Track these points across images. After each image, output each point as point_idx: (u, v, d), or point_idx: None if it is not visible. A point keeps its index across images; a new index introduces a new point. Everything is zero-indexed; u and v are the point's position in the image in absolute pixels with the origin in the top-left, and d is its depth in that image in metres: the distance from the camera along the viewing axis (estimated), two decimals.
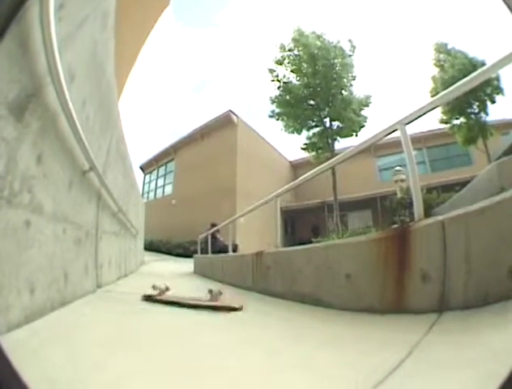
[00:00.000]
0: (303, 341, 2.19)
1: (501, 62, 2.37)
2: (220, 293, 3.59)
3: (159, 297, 3.74)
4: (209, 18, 57.06)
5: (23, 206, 2.05)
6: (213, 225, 11.57)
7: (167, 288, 3.93)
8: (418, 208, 2.59)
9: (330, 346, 2.03)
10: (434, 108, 2.75)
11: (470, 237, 2.01)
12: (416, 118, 2.79)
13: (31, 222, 2.16)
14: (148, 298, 3.74)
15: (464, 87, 2.71)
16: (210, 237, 10.85)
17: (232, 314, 3.17)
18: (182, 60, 55.27)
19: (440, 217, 2.26)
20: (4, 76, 1.68)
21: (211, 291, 3.62)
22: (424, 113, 2.74)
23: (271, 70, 18.40)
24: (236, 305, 3.31)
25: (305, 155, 20.40)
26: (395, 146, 2.90)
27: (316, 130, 18.64)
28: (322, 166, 4.64)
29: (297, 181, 5.56)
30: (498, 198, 1.96)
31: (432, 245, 2.23)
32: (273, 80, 18.45)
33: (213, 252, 10.30)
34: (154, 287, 3.84)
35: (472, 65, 13.77)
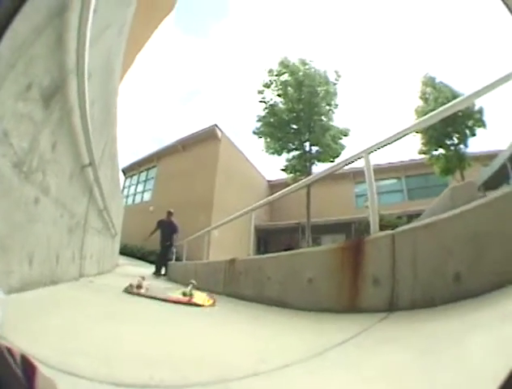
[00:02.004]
0: (265, 327, 2.52)
1: (470, 98, 2.79)
2: (192, 295, 3.88)
3: (139, 291, 3.97)
4: (206, 28, 57.85)
5: (36, 184, 2.32)
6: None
7: (144, 285, 4.17)
8: (374, 224, 2.95)
9: (287, 331, 2.36)
10: (399, 139, 3.09)
11: (416, 248, 2.34)
12: (380, 148, 3.18)
13: (39, 200, 2.42)
14: (129, 290, 3.96)
15: (431, 119, 3.12)
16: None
17: (204, 308, 3.47)
18: (175, 67, 55.57)
19: (390, 231, 2.62)
20: (42, 64, 1.96)
21: (184, 293, 3.91)
22: (389, 144, 3.14)
23: (260, 91, 19.04)
24: (207, 303, 3.61)
25: (283, 176, 20.87)
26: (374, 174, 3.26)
27: (296, 153, 19.24)
28: (294, 185, 5.03)
29: (273, 196, 5.91)
30: (443, 216, 2.31)
31: (382, 254, 2.56)
32: (260, 101, 19.08)
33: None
34: (131, 285, 4.05)
35: (455, 99, 14.15)
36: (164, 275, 9.99)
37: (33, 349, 1.09)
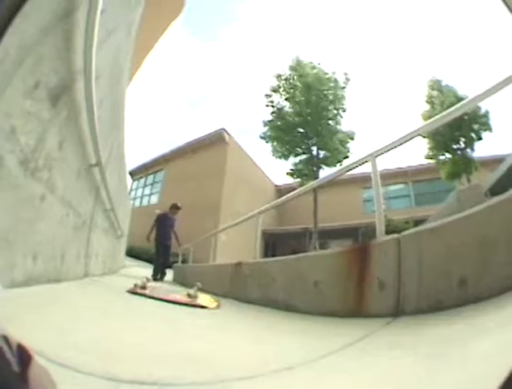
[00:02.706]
0: (268, 330, 2.52)
1: (472, 101, 2.79)
2: (196, 296, 3.89)
3: (143, 291, 3.98)
4: (215, 30, 58.31)
5: (42, 181, 2.35)
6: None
7: (148, 286, 4.18)
8: (380, 228, 2.93)
9: (291, 334, 2.35)
10: (405, 142, 3.07)
11: (422, 252, 2.32)
12: (387, 151, 3.16)
13: (46, 197, 2.46)
14: (133, 290, 3.96)
15: (437, 122, 3.13)
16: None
17: (208, 310, 3.48)
18: (184, 70, 56.07)
19: (396, 235, 2.60)
20: (49, 64, 2.00)
21: (189, 294, 3.91)
22: (395, 147, 3.12)
23: (267, 95, 19.08)
24: (212, 305, 3.60)
25: (291, 180, 20.88)
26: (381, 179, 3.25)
27: (303, 157, 19.28)
28: (301, 189, 5.04)
29: (281, 199, 5.93)
30: (449, 219, 2.30)
31: (388, 258, 2.54)
32: (267, 105, 19.12)
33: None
34: (135, 285, 4.06)
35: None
36: (160, 278, 8.68)
37: (30, 342, 1.09)
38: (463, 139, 16.57)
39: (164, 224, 9.36)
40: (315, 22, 47.53)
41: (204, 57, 58.13)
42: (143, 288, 4.06)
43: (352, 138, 18.94)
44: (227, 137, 22.19)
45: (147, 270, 10.82)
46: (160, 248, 9.21)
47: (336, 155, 18.23)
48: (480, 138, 16.43)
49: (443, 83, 17.81)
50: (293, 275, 3.64)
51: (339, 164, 17.91)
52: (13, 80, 1.55)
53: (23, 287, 2.23)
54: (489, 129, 16.18)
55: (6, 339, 0.44)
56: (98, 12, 2.06)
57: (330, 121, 18.41)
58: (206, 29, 57.07)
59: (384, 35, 52.41)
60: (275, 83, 18.89)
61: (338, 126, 18.64)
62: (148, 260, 16.70)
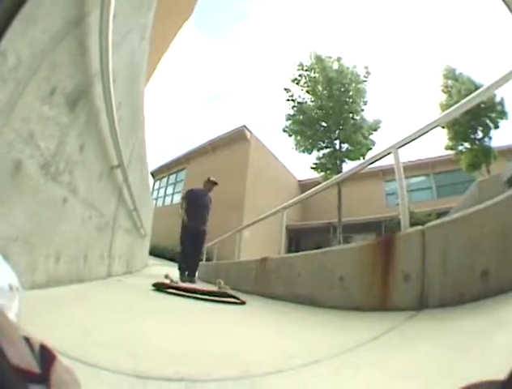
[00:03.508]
0: (294, 325, 2.50)
1: (492, 86, 2.70)
2: (226, 286, 3.92)
3: (170, 285, 4.01)
4: (228, 29, 58.60)
5: (64, 184, 2.40)
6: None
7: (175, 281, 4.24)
8: (404, 221, 2.90)
9: (317, 329, 2.33)
10: (426, 133, 3.02)
11: (446, 244, 2.28)
12: (409, 142, 3.10)
13: (68, 200, 2.51)
14: (160, 286, 3.94)
15: (455, 112, 3.05)
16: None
17: (235, 306, 3.48)
18: (200, 70, 56.59)
19: (420, 227, 2.55)
20: (64, 70, 2.03)
21: (219, 282, 3.96)
22: (417, 138, 3.05)
23: (287, 89, 18.92)
24: (240, 300, 3.62)
25: (314, 175, 20.70)
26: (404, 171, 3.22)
27: (326, 151, 19.00)
28: (324, 183, 5.00)
29: (304, 194, 5.87)
30: (471, 210, 2.24)
31: (413, 250, 2.51)
32: (288, 99, 18.95)
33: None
34: (166, 276, 4.11)
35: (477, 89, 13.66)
36: (188, 279, 6.58)
37: (54, 342, 1.10)
38: (480, 128, 16.19)
39: (196, 203, 6.99)
40: (328, 17, 47.03)
41: (218, 55, 58.48)
42: (171, 280, 4.12)
43: (376, 130, 18.56)
44: (248, 134, 22.22)
45: (171, 268, 11.00)
46: (189, 237, 6.80)
47: (359, 148, 17.94)
48: (496, 127, 16.06)
49: (457, 72, 17.43)
50: (318, 270, 3.64)
51: (362, 157, 17.64)
52: (28, 87, 1.58)
53: (45, 288, 2.28)
54: (506, 116, 15.78)
55: (27, 340, 0.44)
56: (110, 17, 2.08)
57: (352, 115, 18.11)
58: (218, 28, 57.35)
59: (393, 28, 51.31)
60: (296, 73, 18.63)
61: (361, 119, 18.32)
62: (171, 259, 17.00)
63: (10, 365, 0.41)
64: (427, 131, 3.02)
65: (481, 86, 3.12)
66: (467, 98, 2.90)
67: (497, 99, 15.61)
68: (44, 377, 0.43)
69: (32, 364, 0.42)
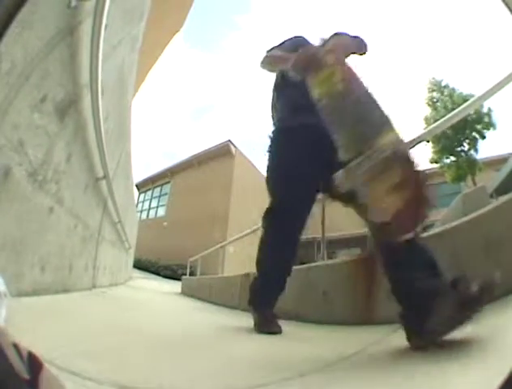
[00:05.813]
0: (277, 338, 2.45)
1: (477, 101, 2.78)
2: None
3: None
4: (218, 41, 59.10)
5: (50, 194, 2.39)
6: None
7: None
8: None
9: (301, 342, 2.32)
10: (411, 148, 3.03)
11: None
12: None
13: (54, 209, 2.49)
14: None
15: (441, 126, 3.14)
16: None
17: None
18: (186, 81, 56.80)
19: None
20: (56, 78, 2.04)
21: None
22: None
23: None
24: None
25: None
26: None
27: None
28: None
29: None
30: (453, 224, 2.30)
31: None
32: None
33: None
34: None
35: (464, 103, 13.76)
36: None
37: (40, 350, 1.09)
38: (467, 141, 16.44)
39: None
40: (316, 29, 48.03)
41: (206, 67, 58.87)
42: None
43: None
44: (233, 149, 22.33)
45: (154, 282, 10.83)
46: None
47: None
48: (483, 138, 16.31)
49: (443, 84, 17.68)
50: (302, 285, 3.61)
51: None
52: (20, 93, 1.59)
53: (31, 296, 2.24)
54: (493, 127, 16.06)
55: (16, 346, 0.45)
56: (102, 27, 2.10)
57: None
58: (208, 40, 57.82)
59: (383, 35, 52.74)
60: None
61: None
62: (155, 272, 16.75)
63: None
64: (411, 147, 3.02)
65: (468, 98, 3.22)
66: (453, 113, 2.96)
67: (484, 110, 15.86)
68: (32, 383, 0.44)
69: (21, 369, 0.43)
